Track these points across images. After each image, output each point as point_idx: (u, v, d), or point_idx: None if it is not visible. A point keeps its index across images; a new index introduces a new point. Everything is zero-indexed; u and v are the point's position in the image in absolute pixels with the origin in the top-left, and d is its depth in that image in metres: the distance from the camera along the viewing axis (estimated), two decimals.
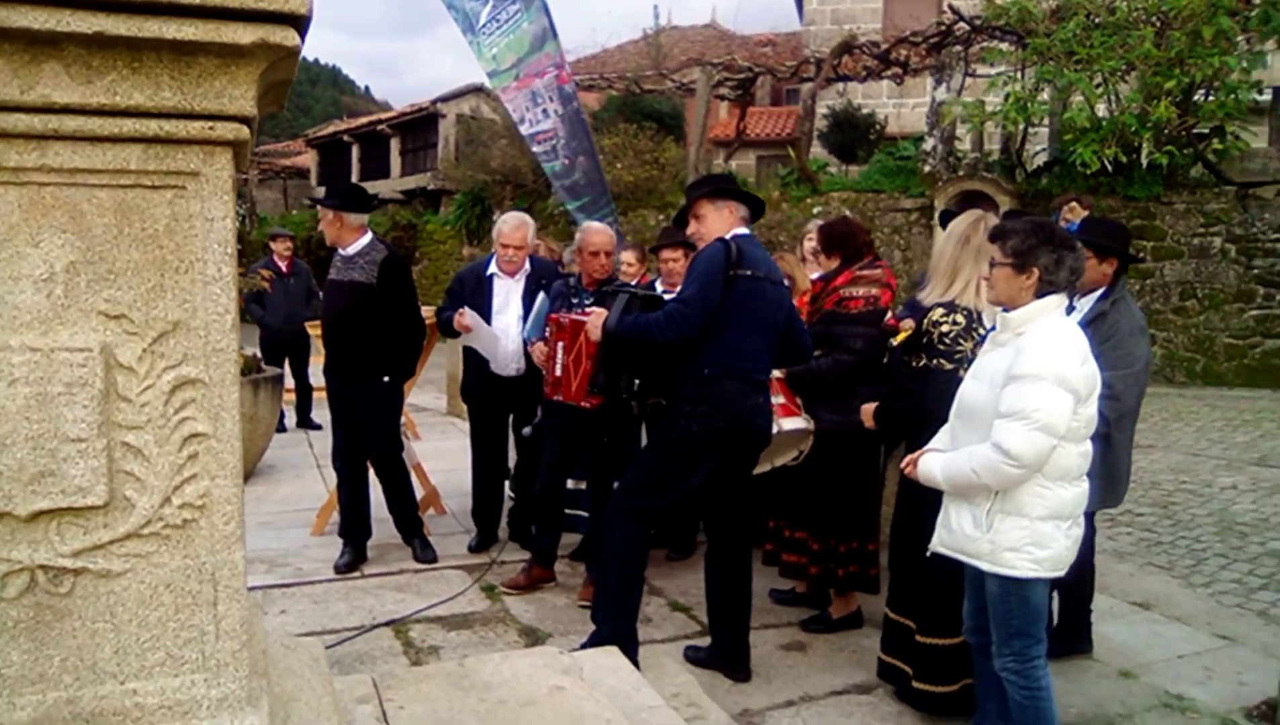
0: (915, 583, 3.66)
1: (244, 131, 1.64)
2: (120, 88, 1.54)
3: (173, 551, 1.66)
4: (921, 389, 3.61)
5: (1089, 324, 3.89)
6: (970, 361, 3.44)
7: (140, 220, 1.60)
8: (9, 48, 1.47)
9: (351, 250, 5.15)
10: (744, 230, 3.96)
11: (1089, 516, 4.12)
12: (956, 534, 3.08)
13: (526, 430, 5.39)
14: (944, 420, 3.40)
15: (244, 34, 1.54)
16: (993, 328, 3.20)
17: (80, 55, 1.51)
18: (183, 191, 1.62)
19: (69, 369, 1.56)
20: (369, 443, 5.35)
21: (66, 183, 1.56)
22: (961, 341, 3.52)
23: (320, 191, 26.01)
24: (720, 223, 3.93)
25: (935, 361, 3.58)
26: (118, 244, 1.59)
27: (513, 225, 5.44)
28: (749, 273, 3.77)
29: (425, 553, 5.45)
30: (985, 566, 2.99)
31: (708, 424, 3.73)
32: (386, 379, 5.21)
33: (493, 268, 5.50)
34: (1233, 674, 4.09)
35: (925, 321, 3.64)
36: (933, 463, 3.15)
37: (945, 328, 3.57)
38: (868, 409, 4.02)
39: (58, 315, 1.57)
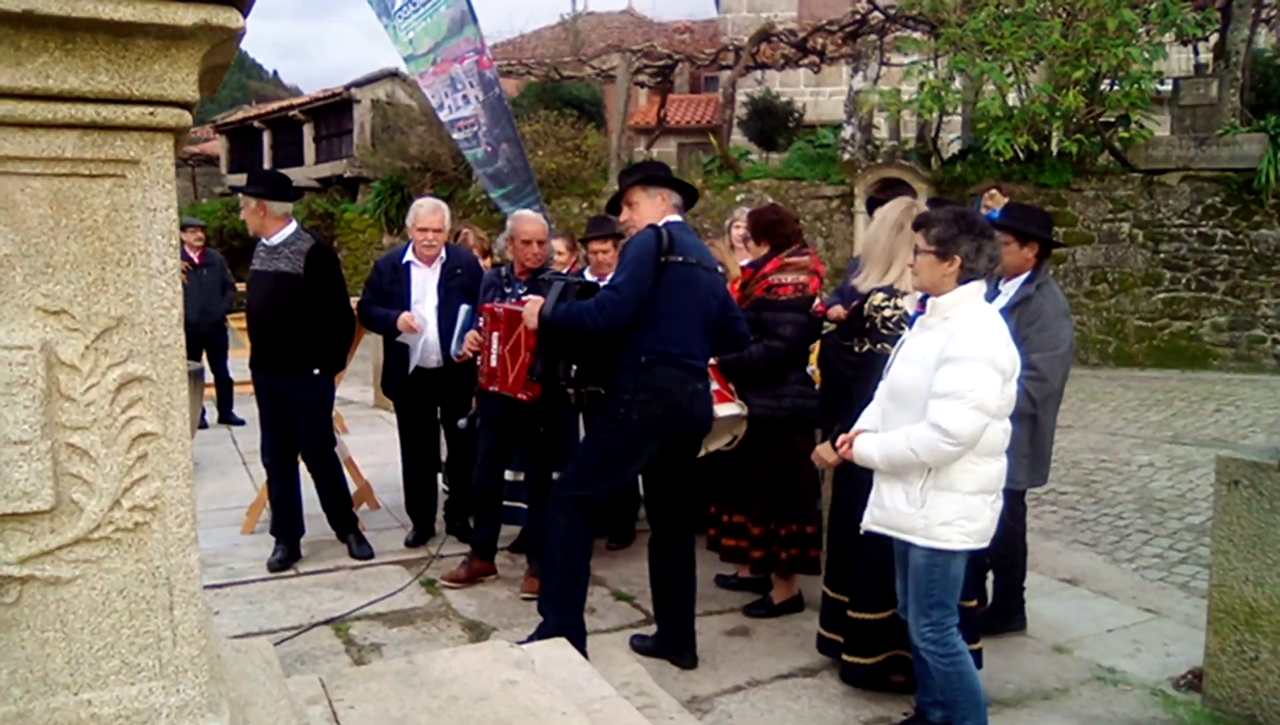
0: (851, 561, 3.74)
1: (186, 118, 1.57)
2: (53, 71, 1.46)
3: (124, 556, 1.59)
4: (865, 374, 3.66)
5: (1013, 308, 4.00)
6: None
7: (78, 211, 1.53)
8: None
9: (275, 240, 5.00)
10: (676, 217, 3.96)
11: (1020, 496, 4.25)
12: (890, 512, 3.16)
13: (462, 422, 5.31)
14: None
15: (185, 15, 1.47)
16: (919, 313, 3.28)
17: (8, 35, 1.42)
18: (123, 180, 1.54)
19: (7, 368, 1.48)
20: (300, 438, 5.22)
21: None
22: (904, 326, 3.58)
23: (235, 179, 25.33)
24: (653, 210, 3.93)
25: (879, 346, 3.65)
26: (55, 236, 1.51)
27: (429, 208, 5.34)
28: (680, 259, 3.77)
29: (361, 548, 5.35)
30: (919, 540, 3.09)
31: (646, 411, 3.74)
32: (316, 372, 5.09)
33: (409, 256, 5.39)
34: (1159, 646, 4.25)
35: (866, 306, 3.70)
36: (868, 443, 3.21)
37: (887, 312, 3.64)
38: (824, 450, 3.83)
39: None
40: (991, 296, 4.22)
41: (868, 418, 3.36)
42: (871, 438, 3.23)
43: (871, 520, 3.26)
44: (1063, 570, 5.16)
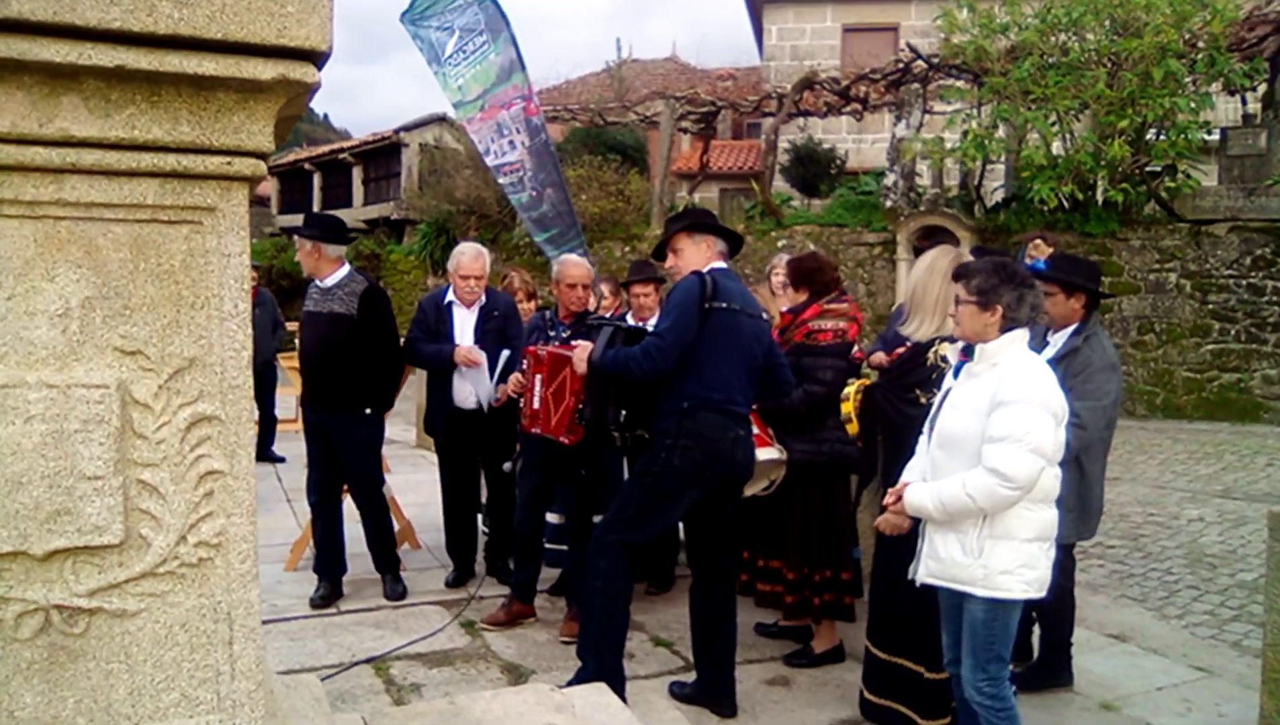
0: (908, 621, 3.68)
1: (261, 167, 1.63)
2: (139, 122, 1.53)
3: (188, 590, 1.63)
4: (908, 427, 3.65)
5: (1060, 360, 3.97)
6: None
7: (156, 255, 1.59)
8: (29, 80, 1.46)
9: (329, 281, 5.11)
10: (722, 264, 3.99)
11: (1068, 549, 4.18)
12: (946, 563, 3.11)
13: (507, 466, 5.35)
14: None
15: (265, 70, 1.54)
16: (962, 362, 3.27)
17: (99, 89, 1.50)
18: (199, 227, 1.61)
19: (85, 406, 1.54)
20: (350, 476, 5.29)
21: (83, 217, 1.55)
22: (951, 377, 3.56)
23: (286, 220, 25.85)
24: (698, 257, 3.96)
25: (920, 395, 3.64)
26: (133, 279, 1.58)
27: (471, 255, 5.43)
28: (724, 305, 3.79)
29: (395, 588, 5.38)
30: (979, 592, 3.03)
31: (688, 457, 3.75)
32: (368, 411, 5.17)
33: (450, 296, 5.49)
34: (1211, 705, 4.14)
35: (931, 356, 3.69)
36: (920, 494, 3.18)
37: (945, 366, 3.63)
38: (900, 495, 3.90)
39: (73, 351, 1.55)
40: (1039, 349, 4.20)
41: (913, 470, 3.34)
42: (923, 487, 3.19)
43: (926, 573, 3.22)
44: (1110, 626, 5.06)
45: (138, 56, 1.46)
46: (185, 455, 1.60)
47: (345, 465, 5.24)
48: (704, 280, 3.78)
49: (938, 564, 3.16)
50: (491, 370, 5.19)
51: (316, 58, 1.57)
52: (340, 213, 21.53)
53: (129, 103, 1.52)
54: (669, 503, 3.84)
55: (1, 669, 1.55)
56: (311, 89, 1.58)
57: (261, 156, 1.62)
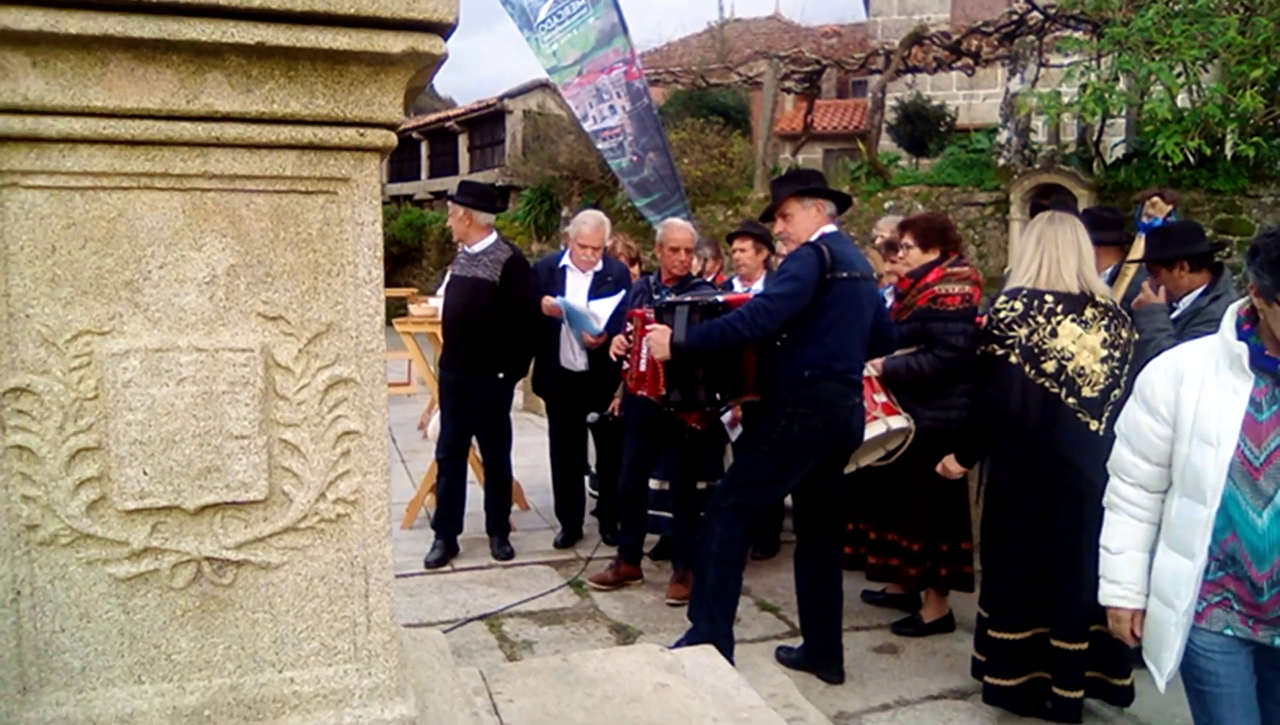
0: (1000, 582, 3.65)
1: (392, 138, 1.68)
2: (277, 96, 1.59)
3: (327, 545, 1.71)
4: (982, 379, 3.72)
5: (1184, 320, 3.82)
6: (1023, 347, 3.43)
7: (295, 225, 1.65)
8: (177, 59, 1.53)
9: (477, 248, 5.30)
10: (832, 228, 3.93)
11: None
12: None
13: (592, 416, 5.46)
14: (999, 407, 3.54)
15: (395, 43, 1.57)
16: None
17: (241, 65, 1.56)
18: (334, 197, 1.66)
19: (232, 368, 1.62)
20: (481, 438, 5.50)
21: (226, 189, 1.62)
22: (1016, 327, 3.52)
23: (396, 188, 26.45)
24: (809, 222, 3.91)
25: (990, 347, 3.62)
26: (274, 248, 1.65)
27: (592, 226, 5.54)
28: (845, 275, 3.75)
29: (502, 550, 5.54)
30: None
31: (808, 425, 3.74)
32: (501, 376, 5.34)
33: (566, 260, 5.61)
34: None
35: (990, 312, 3.68)
36: None
37: (1002, 313, 3.58)
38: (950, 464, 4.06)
39: (220, 317, 1.63)
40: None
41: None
42: None
43: None
44: None
45: (276, 33, 1.52)
46: (324, 416, 1.67)
47: (477, 426, 5.42)
48: (822, 252, 3.73)
49: None
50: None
51: (444, 29, 1.60)
52: (446, 180, 21.97)
53: (268, 78, 1.58)
54: (787, 469, 3.84)
55: (160, 615, 1.65)
56: (439, 60, 1.62)
57: (392, 127, 1.67)
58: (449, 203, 5.52)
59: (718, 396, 3.97)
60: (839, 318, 3.76)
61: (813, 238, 3.84)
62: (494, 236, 5.36)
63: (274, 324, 1.64)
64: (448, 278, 5.60)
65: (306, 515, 1.68)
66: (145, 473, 1.60)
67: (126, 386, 1.58)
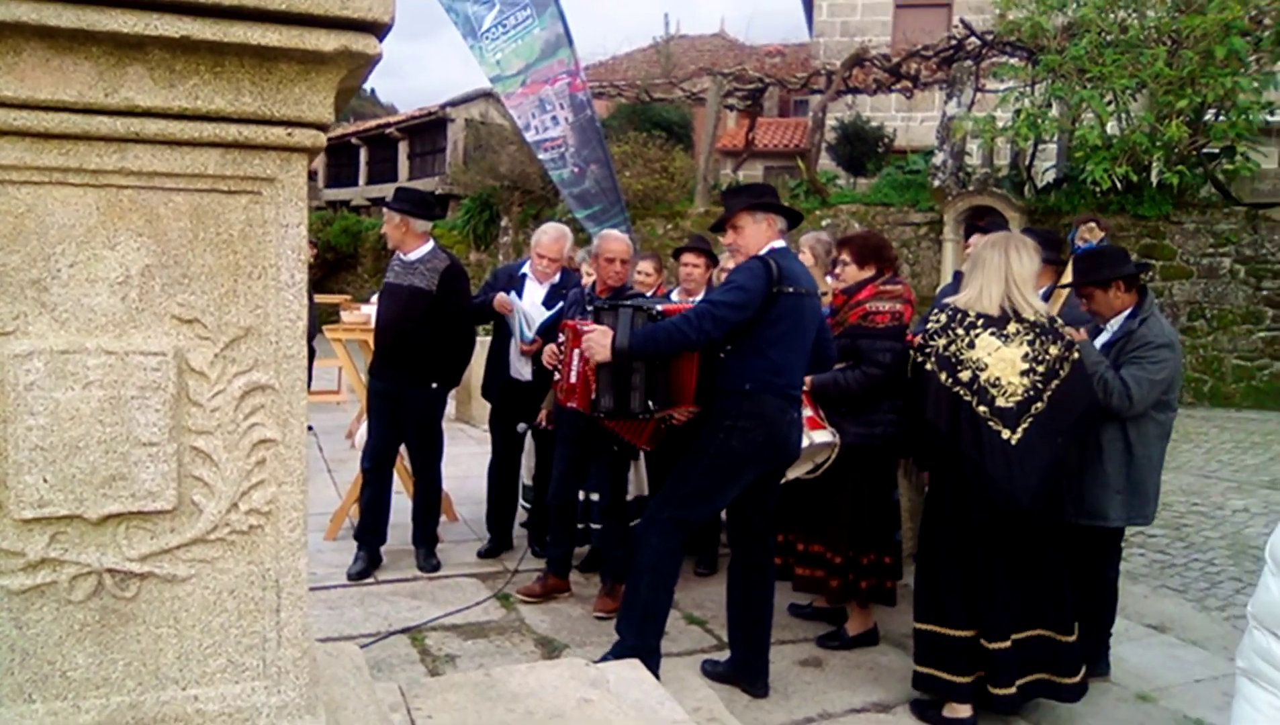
0: (967, 593, 3.70)
1: (321, 139, 1.63)
2: (202, 92, 1.54)
3: (238, 557, 1.65)
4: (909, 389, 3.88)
5: (1114, 343, 3.92)
6: (939, 357, 3.61)
7: (215, 225, 1.60)
8: (96, 51, 1.47)
9: (413, 256, 5.21)
10: (780, 243, 3.95)
11: (1117, 535, 4.14)
12: None
13: (521, 426, 5.42)
14: (917, 413, 3.73)
15: (327, 41, 1.53)
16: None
17: (164, 59, 1.51)
18: (258, 197, 1.61)
19: (142, 373, 1.55)
20: (412, 448, 5.41)
21: (144, 186, 1.56)
22: (936, 337, 3.67)
23: (332, 194, 26.05)
24: (759, 235, 3.91)
25: (915, 356, 3.78)
26: (192, 248, 1.59)
27: (551, 237, 5.52)
28: (791, 290, 3.76)
29: (429, 562, 5.45)
30: None
31: (747, 438, 3.73)
32: (435, 386, 5.25)
33: (526, 269, 5.60)
34: None
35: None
36: None
37: (929, 324, 3.74)
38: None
39: (132, 318, 1.56)
40: (1094, 335, 4.15)
41: None
42: None
43: None
44: (1150, 616, 5.00)
45: (203, 27, 1.47)
46: (239, 423, 1.61)
47: (407, 436, 5.32)
48: (769, 265, 3.74)
49: None
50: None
51: (378, 29, 1.57)
52: (385, 187, 21.70)
53: (193, 73, 1.52)
54: (725, 483, 3.83)
55: (56, 629, 1.58)
56: (373, 61, 1.58)
57: (321, 128, 1.63)
58: (384, 209, 5.42)
59: (650, 404, 3.94)
60: (783, 333, 3.77)
61: (761, 252, 3.85)
62: (430, 244, 5.28)
63: (189, 327, 1.58)
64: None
65: (217, 526, 1.62)
66: (45, 480, 1.53)
67: (29, 389, 1.51)
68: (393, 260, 5.36)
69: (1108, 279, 4.01)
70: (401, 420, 5.28)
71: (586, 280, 5.52)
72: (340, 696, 2.05)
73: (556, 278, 5.54)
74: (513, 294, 5.42)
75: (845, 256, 4.46)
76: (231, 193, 1.59)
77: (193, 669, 1.64)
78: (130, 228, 1.55)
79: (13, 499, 1.51)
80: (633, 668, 3.49)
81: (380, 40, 1.59)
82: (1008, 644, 3.61)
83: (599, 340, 3.82)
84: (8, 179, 1.49)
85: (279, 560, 1.67)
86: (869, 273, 4.41)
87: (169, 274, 1.57)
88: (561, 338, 4.77)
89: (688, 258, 5.55)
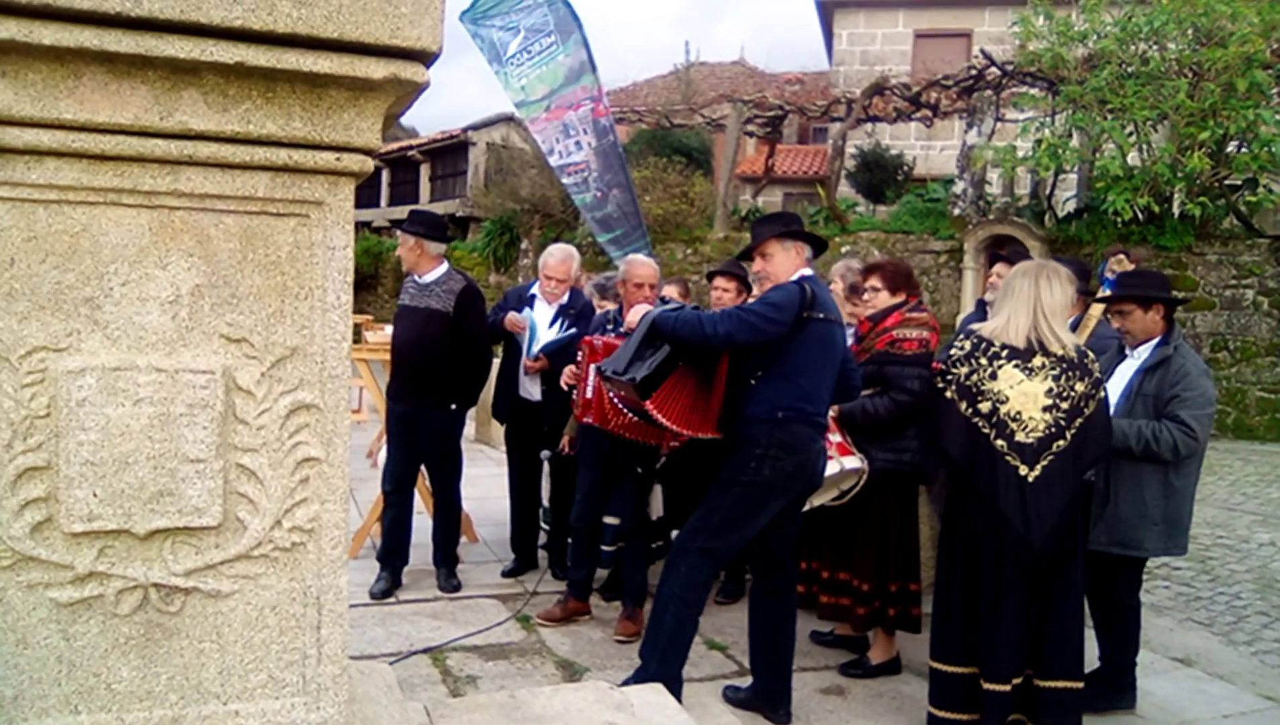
0: (969, 629, 3.65)
1: (368, 164, 1.67)
2: (254, 117, 1.58)
3: (280, 574, 1.67)
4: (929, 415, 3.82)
5: (1152, 369, 3.92)
6: (960, 385, 3.56)
7: (264, 246, 1.63)
8: (153, 75, 1.51)
9: (428, 278, 5.24)
10: (809, 271, 3.96)
11: (1140, 565, 4.12)
12: None
13: (545, 454, 5.44)
14: (934, 441, 3.67)
15: (377, 69, 1.57)
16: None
17: (218, 84, 1.55)
18: (306, 220, 1.65)
19: (191, 390, 1.58)
20: (431, 469, 5.43)
21: (196, 207, 1.59)
22: (959, 365, 3.61)
23: (354, 215, 26.21)
24: (788, 263, 3.93)
25: (937, 382, 3.72)
26: (241, 269, 1.62)
27: (558, 258, 5.55)
28: (822, 316, 3.78)
29: (449, 583, 5.46)
30: None
31: (778, 468, 3.73)
32: (454, 407, 5.28)
33: (535, 290, 5.65)
34: None
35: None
36: None
37: (952, 351, 3.66)
38: None
39: (182, 337, 1.59)
40: (1119, 361, 4.14)
41: None
42: None
43: None
44: (1175, 649, 4.95)
45: (257, 54, 1.51)
46: (284, 442, 1.64)
47: (426, 457, 5.34)
48: (804, 290, 3.76)
49: None
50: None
51: (426, 58, 1.60)
52: (406, 209, 21.87)
53: (245, 98, 1.56)
54: (756, 512, 3.81)
55: (101, 642, 1.60)
56: (420, 88, 1.61)
57: (368, 153, 1.66)
58: (399, 232, 5.45)
59: (635, 379, 3.81)
60: (812, 360, 3.77)
61: (793, 278, 3.86)
62: (445, 266, 5.31)
63: (237, 346, 1.62)
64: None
65: (261, 543, 1.64)
66: (95, 495, 1.56)
67: (81, 405, 1.54)
68: (406, 282, 5.39)
69: (1154, 298, 3.99)
70: (421, 442, 5.30)
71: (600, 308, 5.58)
72: (373, 714, 2.06)
73: (565, 298, 5.58)
74: (525, 310, 5.46)
75: (876, 282, 4.45)
76: (281, 215, 1.63)
77: (234, 684, 1.66)
78: (181, 248, 1.59)
79: (63, 513, 1.54)
80: (657, 692, 3.48)
81: (428, 67, 1.63)
82: (1008, 688, 3.51)
83: (637, 309, 4.03)
84: (64, 199, 1.53)
85: (320, 578, 1.69)
86: (899, 298, 4.41)
87: (218, 294, 1.61)
88: (580, 355, 4.80)
89: (719, 282, 5.56)
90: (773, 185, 20.18)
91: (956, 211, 13.01)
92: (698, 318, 3.75)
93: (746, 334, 3.67)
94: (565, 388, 5.01)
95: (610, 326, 5.01)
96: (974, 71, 14.45)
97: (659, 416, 3.85)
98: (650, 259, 5.63)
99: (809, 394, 3.77)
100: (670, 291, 5.87)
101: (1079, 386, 3.53)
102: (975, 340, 3.61)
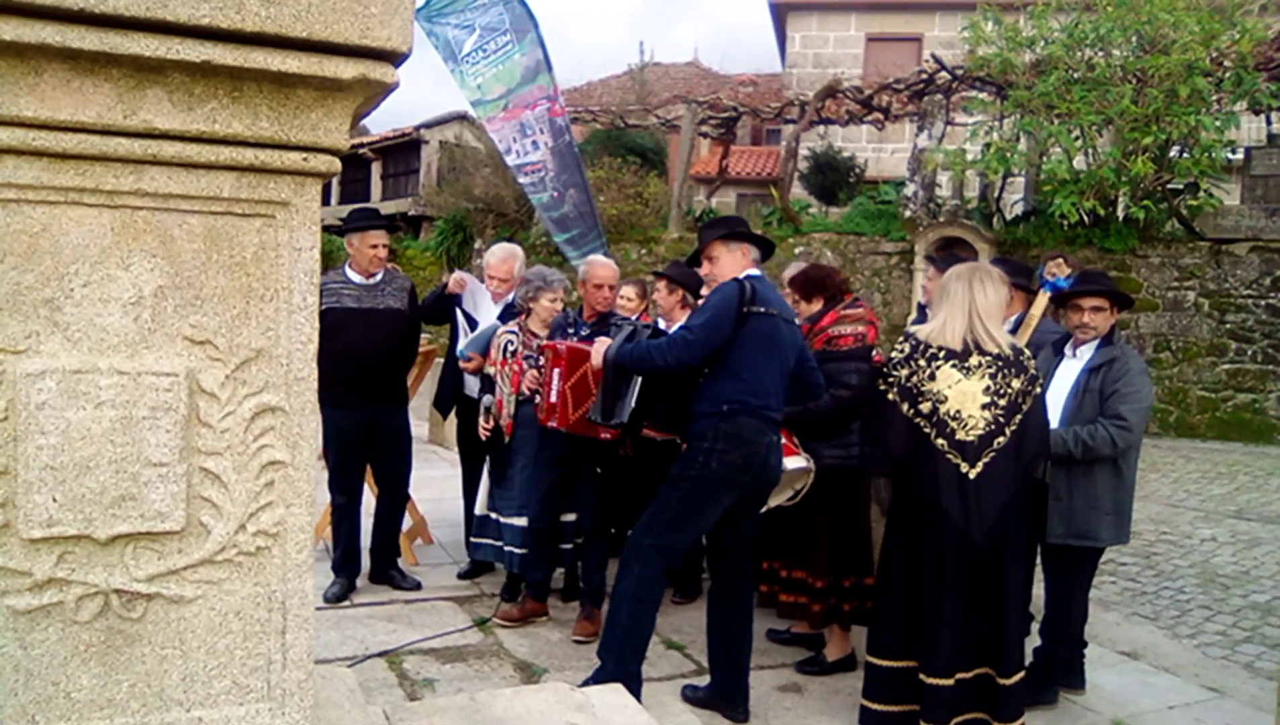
0: (908, 624, 3.70)
1: (336, 164, 1.65)
2: (220, 116, 1.55)
3: (244, 579, 1.65)
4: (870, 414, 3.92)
5: (1098, 368, 4.03)
6: (901, 387, 3.63)
7: (229, 247, 1.61)
8: (117, 73, 1.48)
9: (379, 276, 5.13)
10: (756, 271, 4.02)
11: (1097, 556, 4.22)
12: None
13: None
14: (876, 441, 3.76)
15: (346, 69, 1.55)
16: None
17: (184, 83, 1.52)
18: (271, 220, 1.63)
19: (154, 393, 1.56)
20: (388, 470, 5.38)
21: (159, 208, 1.57)
22: (899, 367, 3.67)
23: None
24: (733, 265, 4.00)
25: (878, 383, 3.79)
26: (205, 270, 1.60)
27: (500, 257, 5.56)
28: (762, 310, 3.82)
29: (406, 581, 5.41)
30: None
31: (725, 460, 3.76)
32: (408, 403, 5.28)
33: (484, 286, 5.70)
34: None
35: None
36: None
37: (893, 353, 3.76)
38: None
39: (144, 339, 1.57)
40: (1060, 361, 4.23)
41: None
42: None
43: None
44: (1122, 643, 5.06)
45: (224, 52, 1.48)
46: (249, 445, 1.62)
47: (381, 459, 5.29)
48: (742, 286, 3.81)
49: None
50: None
51: (395, 58, 1.59)
52: (358, 207, 21.66)
53: (211, 97, 1.54)
54: (706, 506, 3.85)
55: (61, 650, 1.57)
56: (389, 88, 1.60)
57: (336, 153, 1.64)
58: (364, 233, 5.12)
59: (623, 423, 4.12)
60: (756, 353, 3.81)
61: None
62: (388, 263, 5.31)
63: (201, 348, 1.59)
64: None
65: (225, 547, 1.62)
66: (55, 499, 1.52)
67: (40, 408, 1.51)
68: (335, 285, 5.04)
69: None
70: (379, 446, 5.22)
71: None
72: (336, 719, 2.04)
73: (510, 297, 5.55)
74: (463, 274, 5.55)
75: (792, 294, 4.55)
76: (246, 216, 1.61)
77: (197, 690, 1.64)
78: (144, 249, 1.56)
79: (21, 518, 1.51)
80: (616, 693, 3.48)
81: (397, 67, 1.62)
82: (950, 681, 3.55)
83: (599, 347, 4.12)
84: (24, 198, 1.50)
85: (285, 582, 1.67)
86: (818, 305, 4.50)
87: (182, 295, 1.58)
88: (542, 360, 4.79)
89: (657, 283, 5.62)
90: (727, 186, 20.27)
91: (907, 214, 13.16)
92: (647, 350, 3.86)
93: (697, 352, 3.77)
94: (528, 392, 4.97)
95: (571, 328, 5.00)
96: (925, 75, 14.64)
97: (655, 436, 4.05)
98: (610, 260, 5.63)
99: (754, 388, 3.81)
100: (629, 291, 5.89)
101: (1015, 383, 3.60)
102: (914, 343, 3.68)
